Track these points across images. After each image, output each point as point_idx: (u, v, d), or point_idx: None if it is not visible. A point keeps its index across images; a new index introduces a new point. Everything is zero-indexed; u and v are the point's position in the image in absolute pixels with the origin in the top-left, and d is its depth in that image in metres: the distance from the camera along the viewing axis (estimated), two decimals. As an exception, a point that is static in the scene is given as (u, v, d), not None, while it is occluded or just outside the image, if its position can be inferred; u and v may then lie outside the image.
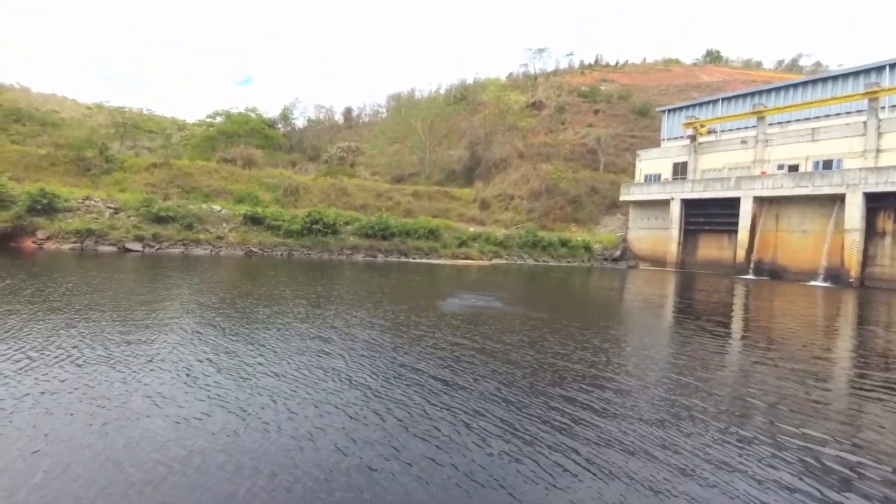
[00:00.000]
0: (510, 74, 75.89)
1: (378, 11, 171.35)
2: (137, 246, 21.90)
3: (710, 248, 31.88)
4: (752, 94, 33.00)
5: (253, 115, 51.72)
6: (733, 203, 29.28)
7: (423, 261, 27.02)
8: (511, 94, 60.23)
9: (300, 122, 63.06)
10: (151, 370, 5.48)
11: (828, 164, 26.87)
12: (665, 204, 33.35)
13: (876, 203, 23.91)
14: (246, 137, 45.28)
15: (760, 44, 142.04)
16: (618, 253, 35.64)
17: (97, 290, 10.76)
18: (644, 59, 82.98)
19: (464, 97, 63.21)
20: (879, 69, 26.74)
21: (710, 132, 33.95)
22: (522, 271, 25.31)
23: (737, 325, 11.75)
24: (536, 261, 31.96)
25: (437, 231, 29.66)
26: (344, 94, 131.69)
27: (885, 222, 24.01)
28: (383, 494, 3.20)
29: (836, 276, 24.56)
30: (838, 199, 24.99)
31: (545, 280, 21.61)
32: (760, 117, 30.03)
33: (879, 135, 24.84)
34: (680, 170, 34.62)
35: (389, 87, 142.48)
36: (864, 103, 25.83)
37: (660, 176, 35.65)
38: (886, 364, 7.73)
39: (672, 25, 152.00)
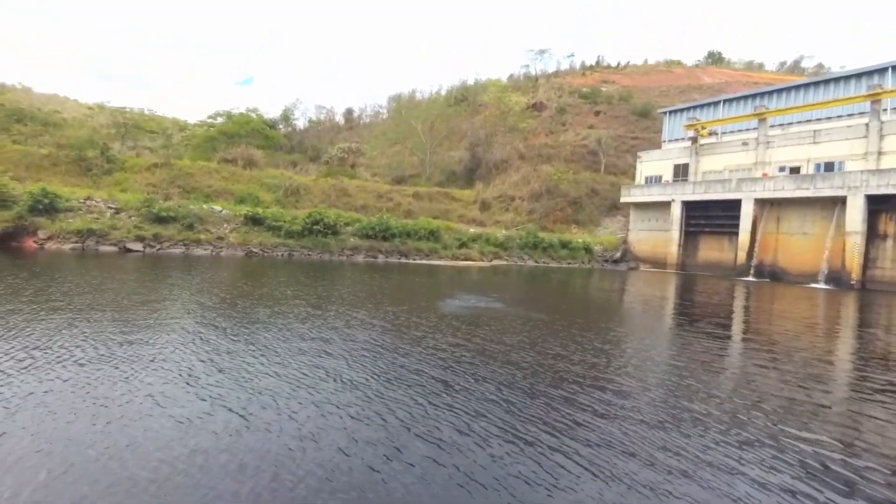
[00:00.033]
0: (511, 75, 76.21)
1: (378, 12, 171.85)
2: (138, 246, 21.93)
3: (710, 250, 31.85)
4: (754, 96, 32.98)
5: (254, 115, 51.74)
6: (734, 205, 29.26)
7: (424, 262, 27.03)
8: (512, 95, 60.36)
9: (301, 123, 63.15)
10: (153, 370, 5.50)
11: (829, 167, 26.85)
12: (666, 206, 33.35)
13: (877, 205, 23.89)
14: (247, 138, 45.31)
15: (761, 45, 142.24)
16: (618, 254, 35.61)
17: (98, 289, 10.79)
18: (645, 61, 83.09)
19: (464, 98, 63.27)
20: (882, 71, 26.73)
21: (711, 134, 33.92)
22: (523, 272, 25.31)
23: (737, 328, 11.74)
24: (537, 262, 31.95)
25: (438, 232, 29.69)
26: (344, 94, 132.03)
27: (886, 225, 23.98)
28: (385, 494, 3.21)
29: (837, 278, 24.54)
30: (839, 202, 24.98)
31: (545, 281, 21.60)
32: (762, 119, 30.02)
33: (881, 137, 24.82)
34: (681, 171, 34.58)
35: (390, 88, 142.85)
36: (867, 105, 25.81)
37: (660, 178, 35.61)
38: (887, 367, 7.73)
39: (672, 26, 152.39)
